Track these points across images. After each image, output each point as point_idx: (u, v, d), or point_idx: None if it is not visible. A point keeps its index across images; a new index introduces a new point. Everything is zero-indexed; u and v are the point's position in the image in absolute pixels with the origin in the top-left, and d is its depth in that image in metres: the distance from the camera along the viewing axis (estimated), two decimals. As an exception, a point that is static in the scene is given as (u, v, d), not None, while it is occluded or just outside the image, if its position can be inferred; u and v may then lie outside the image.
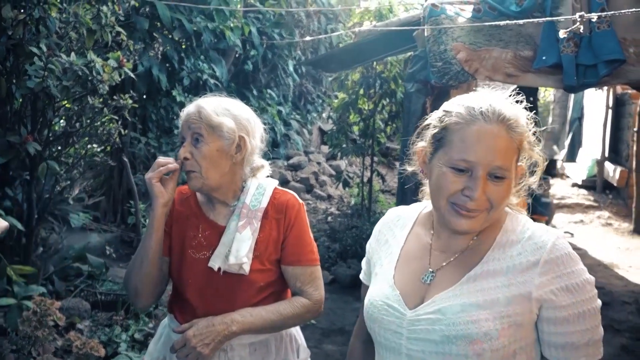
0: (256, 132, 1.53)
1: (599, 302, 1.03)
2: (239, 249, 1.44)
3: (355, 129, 6.30)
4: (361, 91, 5.93)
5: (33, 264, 3.26)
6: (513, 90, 1.16)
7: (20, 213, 3.11)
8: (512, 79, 2.67)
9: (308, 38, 5.79)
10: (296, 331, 1.63)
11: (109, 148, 4.89)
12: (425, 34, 2.78)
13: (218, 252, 1.46)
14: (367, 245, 1.31)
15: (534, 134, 1.10)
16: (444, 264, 1.11)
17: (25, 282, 2.69)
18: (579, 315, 1.00)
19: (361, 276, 1.33)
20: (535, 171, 1.15)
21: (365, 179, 6.33)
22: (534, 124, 1.10)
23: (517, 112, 1.09)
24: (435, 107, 2.73)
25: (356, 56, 4.94)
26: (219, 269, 1.44)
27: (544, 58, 2.50)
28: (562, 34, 1.66)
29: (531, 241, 1.04)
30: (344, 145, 6.27)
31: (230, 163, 1.48)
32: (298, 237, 1.52)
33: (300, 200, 1.57)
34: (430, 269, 1.12)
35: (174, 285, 1.58)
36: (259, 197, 1.52)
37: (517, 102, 1.12)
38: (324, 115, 10.03)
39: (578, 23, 1.54)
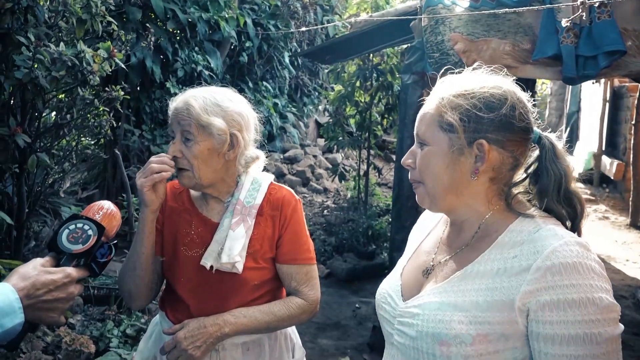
0: (250, 124, 1.46)
1: (613, 330, 0.89)
2: (231, 247, 1.38)
3: (352, 121, 6.25)
4: (357, 83, 5.87)
5: (24, 257, 3.21)
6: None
7: (10, 206, 3.06)
8: (511, 71, 2.61)
9: (304, 29, 5.72)
10: (291, 330, 1.59)
11: (102, 141, 4.83)
12: (422, 25, 2.73)
13: (210, 250, 1.41)
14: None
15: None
16: (445, 258, 1.08)
17: (15, 277, 2.64)
18: (569, 338, 0.87)
19: None
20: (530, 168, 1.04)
21: (361, 172, 6.29)
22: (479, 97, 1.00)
23: (455, 82, 1.04)
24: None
25: (352, 47, 4.88)
26: (212, 267, 1.40)
27: (542, 49, 2.45)
28: (564, 22, 1.61)
29: (532, 244, 0.94)
30: (340, 138, 6.23)
31: (224, 160, 1.42)
32: (294, 235, 1.47)
33: (297, 197, 1.52)
34: (432, 263, 1.10)
35: (167, 282, 1.54)
36: (254, 193, 1.46)
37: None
38: (320, 107, 9.97)
39: (580, 10, 1.50)
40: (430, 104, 1.06)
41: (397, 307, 1.07)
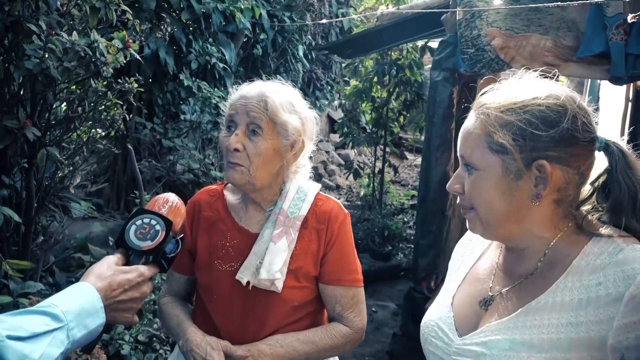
0: (313, 135, 1.35)
1: None
2: (272, 262, 1.22)
3: (367, 117, 6.10)
4: (375, 79, 5.71)
5: (33, 254, 3.10)
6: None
7: (19, 201, 2.95)
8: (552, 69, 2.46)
9: (323, 21, 5.56)
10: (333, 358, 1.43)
11: (113, 134, 4.71)
12: (457, 18, 2.57)
13: (248, 263, 1.25)
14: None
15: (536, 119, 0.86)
16: (506, 288, 0.93)
17: (22, 278, 2.52)
18: None
19: None
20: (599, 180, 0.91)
21: (376, 170, 6.14)
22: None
23: (500, 94, 0.90)
24: (462, 97, 2.47)
25: (375, 41, 4.72)
26: (248, 283, 1.24)
27: (589, 46, 2.28)
28: (630, 18, 1.44)
29: (618, 268, 0.80)
30: (355, 134, 6.07)
31: (281, 164, 1.28)
32: (341, 253, 1.31)
33: (346, 210, 1.36)
34: (490, 293, 0.95)
35: (198, 296, 1.38)
36: (299, 204, 1.30)
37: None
38: (334, 103, 9.81)
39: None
40: (473, 121, 0.91)
41: (453, 344, 0.93)
